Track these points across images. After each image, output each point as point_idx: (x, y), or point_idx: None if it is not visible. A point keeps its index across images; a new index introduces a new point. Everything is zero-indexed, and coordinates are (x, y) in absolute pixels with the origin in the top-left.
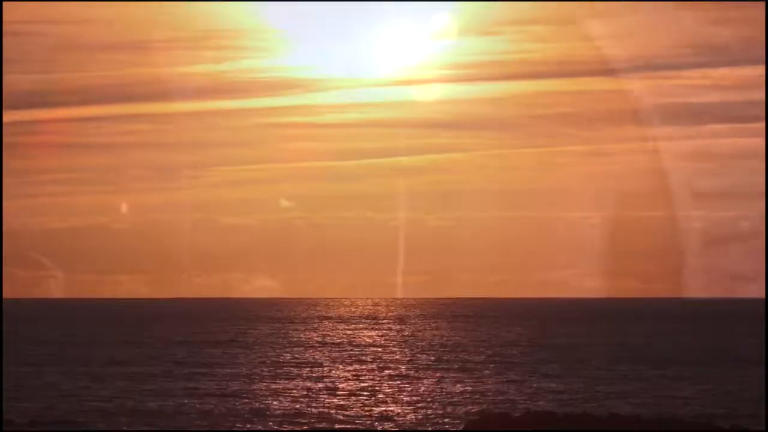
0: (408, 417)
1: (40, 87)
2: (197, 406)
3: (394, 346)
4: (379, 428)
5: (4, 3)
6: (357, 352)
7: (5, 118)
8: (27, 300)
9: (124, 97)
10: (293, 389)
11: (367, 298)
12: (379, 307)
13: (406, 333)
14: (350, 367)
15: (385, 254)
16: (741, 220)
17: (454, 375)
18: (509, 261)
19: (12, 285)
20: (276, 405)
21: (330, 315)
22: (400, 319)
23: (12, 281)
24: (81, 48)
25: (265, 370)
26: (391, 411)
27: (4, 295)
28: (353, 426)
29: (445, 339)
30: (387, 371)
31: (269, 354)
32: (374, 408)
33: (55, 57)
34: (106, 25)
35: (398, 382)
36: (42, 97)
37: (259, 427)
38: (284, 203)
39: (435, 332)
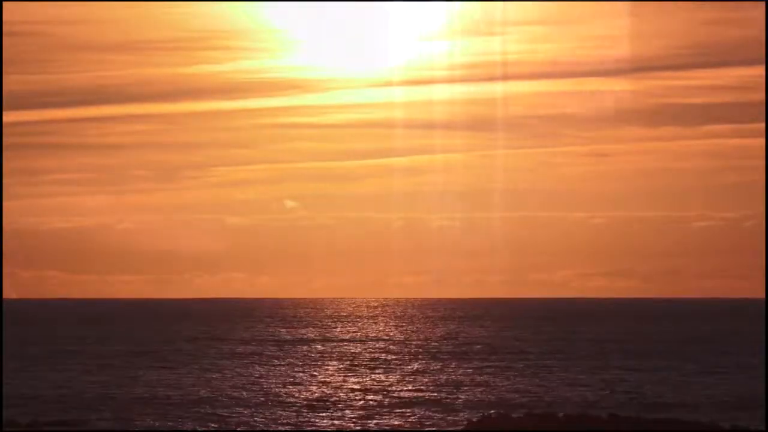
0: (411, 415)
1: (40, 87)
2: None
3: (395, 346)
4: (379, 427)
5: (4, 3)
6: (361, 351)
7: (5, 118)
8: (32, 300)
9: (125, 97)
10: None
11: (368, 299)
12: (380, 307)
13: (409, 332)
14: (355, 366)
15: (385, 254)
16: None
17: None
18: (510, 261)
19: (12, 285)
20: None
21: (336, 315)
22: (402, 319)
23: (13, 281)
24: (81, 48)
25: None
26: (393, 409)
27: (5, 295)
28: (352, 425)
29: (455, 337)
30: (390, 370)
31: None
32: (375, 406)
33: (55, 57)
34: (106, 25)
35: (400, 378)
36: (42, 97)
37: (261, 427)
38: (289, 204)
39: (438, 332)
